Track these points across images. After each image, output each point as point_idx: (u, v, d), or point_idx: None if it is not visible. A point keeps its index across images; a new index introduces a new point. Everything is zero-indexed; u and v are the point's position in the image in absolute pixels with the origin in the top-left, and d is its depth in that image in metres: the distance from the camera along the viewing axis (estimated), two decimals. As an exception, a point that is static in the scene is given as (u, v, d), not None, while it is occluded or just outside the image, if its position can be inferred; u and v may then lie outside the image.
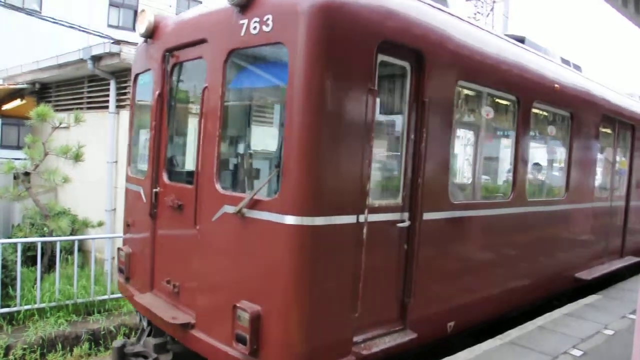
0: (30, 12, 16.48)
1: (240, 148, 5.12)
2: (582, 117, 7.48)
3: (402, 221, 4.42)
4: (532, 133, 6.49)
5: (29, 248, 8.88)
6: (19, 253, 7.45)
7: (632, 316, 6.57)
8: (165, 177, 5.07)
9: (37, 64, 11.81)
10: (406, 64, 4.42)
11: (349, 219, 3.87)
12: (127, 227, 5.75)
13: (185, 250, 4.59)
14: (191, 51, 4.77)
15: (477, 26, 5.68)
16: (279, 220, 3.69)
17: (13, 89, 13.30)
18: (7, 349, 6.85)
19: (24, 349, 6.92)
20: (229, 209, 4.01)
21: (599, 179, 8.57)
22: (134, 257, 5.55)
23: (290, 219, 3.64)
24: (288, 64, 3.65)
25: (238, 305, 3.83)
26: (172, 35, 5.02)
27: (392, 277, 4.43)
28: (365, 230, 3.95)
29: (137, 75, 5.80)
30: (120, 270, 5.76)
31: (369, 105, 3.90)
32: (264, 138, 5.60)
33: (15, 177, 10.15)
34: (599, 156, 8.34)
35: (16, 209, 11.78)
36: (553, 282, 7.19)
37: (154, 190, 5.11)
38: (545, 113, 7.09)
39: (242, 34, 4.00)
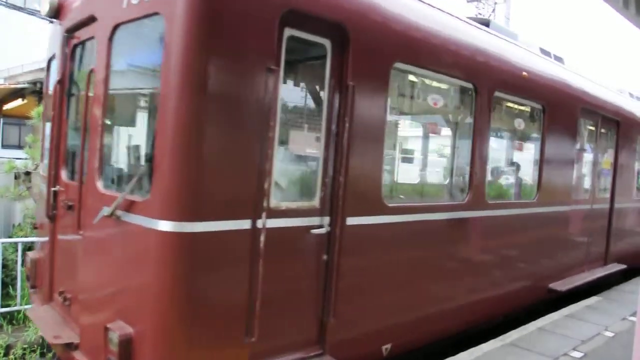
0: (32, 12, 16.50)
1: (125, 140, 4.45)
2: (557, 110, 6.76)
3: (320, 227, 3.77)
4: (494, 126, 5.92)
5: (29, 248, 8.87)
6: (19, 253, 7.45)
7: (632, 318, 6.57)
8: (64, 175, 4.44)
9: (38, 64, 11.82)
10: (325, 41, 3.75)
11: (242, 224, 3.27)
12: (35, 229, 5.15)
13: (75, 258, 4.02)
14: (86, 31, 4.15)
15: (424, 2, 4.84)
16: (151, 226, 3.11)
17: (14, 89, 13.31)
18: (7, 349, 6.85)
19: (24, 349, 6.92)
20: (107, 210, 3.42)
21: (577, 180, 7.91)
22: (38, 264, 4.95)
23: (164, 225, 3.04)
24: (164, 38, 3.11)
25: (109, 326, 3.28)
26: (72, 13, 4.35)
27: (306, 293, 3.79)
28: (263, 238, 3.33)
29: (49, 62, 5.13)
30: (27, 278, 5.19)
31: (268, 88, 3.31)
32: (150, 128, 4.81)
33: (16, 177, 10.15)
34: (578, 154, 7.72)
35: (17, 209, 11.78)
36: (520, 294, 6.46)
37: (52, 189, 4.45)
38: (511, 104, 6.46)
39: (125, 5, 3.48)
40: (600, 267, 8.46)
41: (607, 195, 8.72)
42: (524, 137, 7.08)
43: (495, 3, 27.51)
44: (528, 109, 6.74)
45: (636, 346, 3.61)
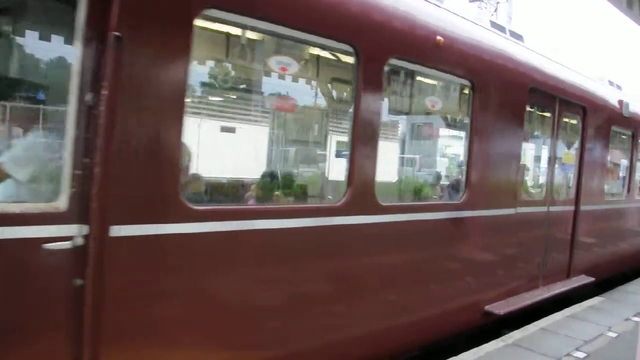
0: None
1: None
2: (492, 88, 5.38)
3: (66, 239, 2.63)
4: (389, 105, 4.83)
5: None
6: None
7: (635, 318, 6.56)
8: None
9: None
10: None
11: None
12: None
13: None
14: None
15: None
16: None
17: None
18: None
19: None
20: None
21: (526, 177, 6.93)
22: None
23: None
24: None
25: None
26: None
27: (51, 335, 2.64)
28: None
29: None
30: None
31: None
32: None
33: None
34: (526, 146, 6.47)
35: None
36: (442, 320, 5.17)
37: None
38: (421, 78, 5.25)
39: None
40: (561, 282, 7.15)
41: (571, 195, 7.44)
42: (445, 121, 5.99)
43: (498, 2, 27.46)
44: (449, 86, 5.53)
45: (640, 347, 3.59)
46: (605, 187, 8.51)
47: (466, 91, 5.39)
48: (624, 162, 9.64)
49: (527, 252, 6.47)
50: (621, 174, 9.70)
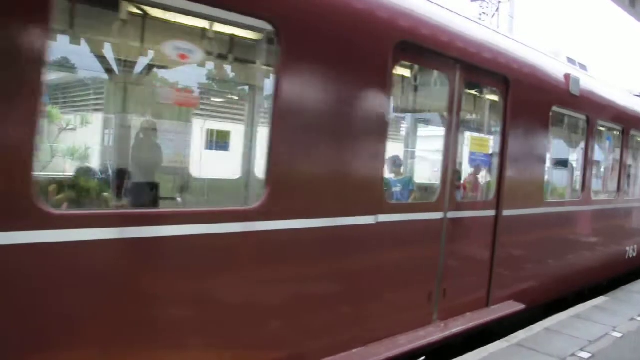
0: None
1: None
2: (315, 39, 3.64)
3: None
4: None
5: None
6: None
7: (640, 318, 6.54)
8: None
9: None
10: None
11: None
12: None
13: None
14: None
15: None
16: None
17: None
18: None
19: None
20: None
21: (395, 171, 5.52)
22: None
23: None
24: None
25: None
26: None
27: None
28: None
29: None
30: None
31: None
32: None
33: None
34: (398, 127, 4.94)
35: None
36: None
37: None
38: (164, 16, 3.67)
39: None
40: (476, 312, 5.43)
41: (491, 197, 5.63)
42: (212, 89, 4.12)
43: (499, 2, 27.46)
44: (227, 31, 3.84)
45: (645, 347, 3.57)
46: (552, 186, 7.37)
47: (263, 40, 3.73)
48: (576, 155, 8.07)
49: (404, 277, 4.61)
50: (576, 171, 7.98)
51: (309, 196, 3.71)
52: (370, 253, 4.16)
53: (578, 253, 7.63)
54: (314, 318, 3.83)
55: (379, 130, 4.16)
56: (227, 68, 4.60)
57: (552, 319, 6.28)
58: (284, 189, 3.50)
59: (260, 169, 3.89)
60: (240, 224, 3.29)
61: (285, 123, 3.47)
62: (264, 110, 4.43)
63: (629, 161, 9.07)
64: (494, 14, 27.42)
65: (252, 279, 3.42)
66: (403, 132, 7.14)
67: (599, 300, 7.40)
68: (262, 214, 3.37)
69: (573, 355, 5.14)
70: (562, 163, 8.76)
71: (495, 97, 5.73)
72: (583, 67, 7.68)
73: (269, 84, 3.83)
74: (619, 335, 5.87)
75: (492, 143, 5.77)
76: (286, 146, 3.49)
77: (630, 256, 9.26)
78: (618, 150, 8.73)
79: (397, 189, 5.58)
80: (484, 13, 27.03)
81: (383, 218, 4.19)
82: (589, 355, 5.17)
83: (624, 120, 8.53)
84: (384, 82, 4.12)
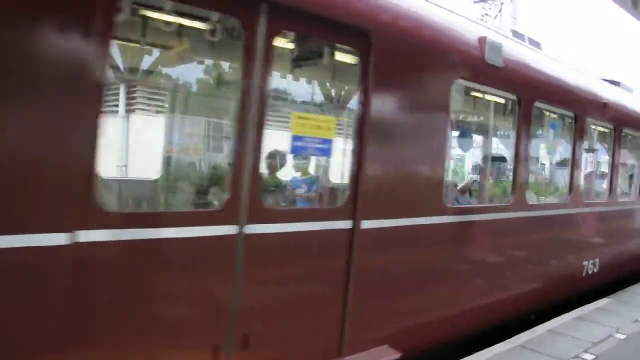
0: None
1: None
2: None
3: None
4: None
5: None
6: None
7: (644, 320, 6.52)
8: None
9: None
10: None
11: None
12: None
13: None
14: None
15: None
16: None
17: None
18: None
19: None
20: None
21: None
22: None
23: None
24: None
25: None
26: None
27: None
28: None
29: None
30: None
31: None
32: None
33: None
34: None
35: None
36: None
37: None
38: None
39: None
40: None
41: (339, 200, 4.08)
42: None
43: (502, 3, 27.46)
44: None
45: (648, 349, 3.56)
46: (458, 185, 6.09)
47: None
48: (504, 146, 6.55)
49: (166, 325, 3.02)
50: (508, 167, 6.20)
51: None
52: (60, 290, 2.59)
53: (501, 275, 5.72)
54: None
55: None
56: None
57: (556, 321, 6.27)
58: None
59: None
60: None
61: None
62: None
63: (585, 157, 7.36)
64: (497, 15, 27.41)
65: None
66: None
67: (603, 301, 7.38)
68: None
69: (576, 357, 5.13)
70: (483, 157, 6.64)
71: (344, 59, 4.17)
72: (535, 43, 6.34)
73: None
74: (622, 336, 5.86)
75: (340, 123, 4.39)
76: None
77: (590, 272, 7.46)
78: (568, 143, 6.86)
79: None
80: (486, 14, 27.02)
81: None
82: (593, 357, 5.16)
83: (576, 105, 6.72)
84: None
